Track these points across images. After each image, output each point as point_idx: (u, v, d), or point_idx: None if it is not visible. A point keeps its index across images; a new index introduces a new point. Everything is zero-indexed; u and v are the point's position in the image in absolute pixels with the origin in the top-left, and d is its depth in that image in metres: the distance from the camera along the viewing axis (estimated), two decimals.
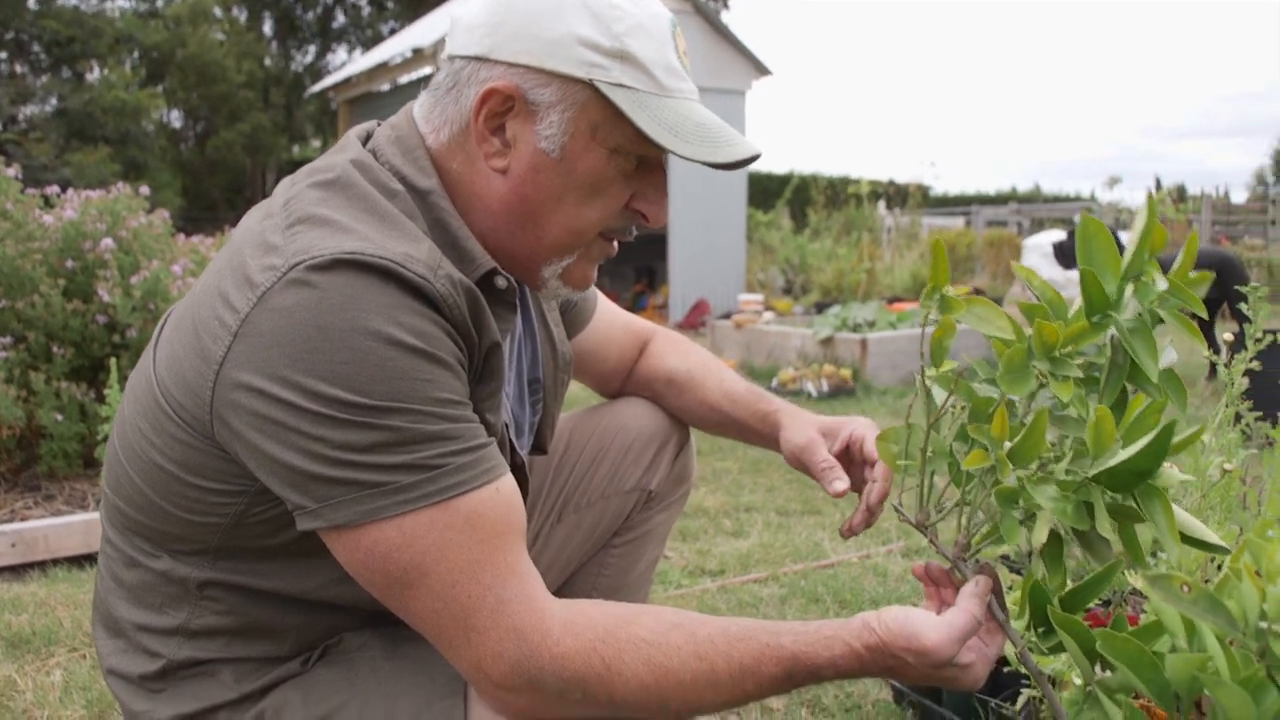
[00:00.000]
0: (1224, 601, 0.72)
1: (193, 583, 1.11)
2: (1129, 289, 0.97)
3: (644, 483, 1.56)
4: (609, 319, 1.57)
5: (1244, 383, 1.77)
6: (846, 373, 6.43)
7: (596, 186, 1.09)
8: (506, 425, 1.16)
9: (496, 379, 1.08)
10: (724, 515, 3.54)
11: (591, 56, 1.05)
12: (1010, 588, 1.49)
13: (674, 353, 1.60)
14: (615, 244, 1.18)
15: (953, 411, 1.07)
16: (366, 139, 1.15)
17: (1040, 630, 0.99)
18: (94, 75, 25.19)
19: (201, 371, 0.99)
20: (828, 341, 6.97)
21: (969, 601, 1.02)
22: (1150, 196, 0.95)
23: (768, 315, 8.75)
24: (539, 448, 1.39)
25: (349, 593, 1.06)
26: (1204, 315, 0.98)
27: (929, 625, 1.00)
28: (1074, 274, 4.54)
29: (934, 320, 1.04)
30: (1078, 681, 0.96)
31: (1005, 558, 1.92)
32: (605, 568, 1.59)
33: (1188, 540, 0.95)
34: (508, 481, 1.02)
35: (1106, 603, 1.87)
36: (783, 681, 1.03)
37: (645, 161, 1.12)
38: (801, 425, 1.44)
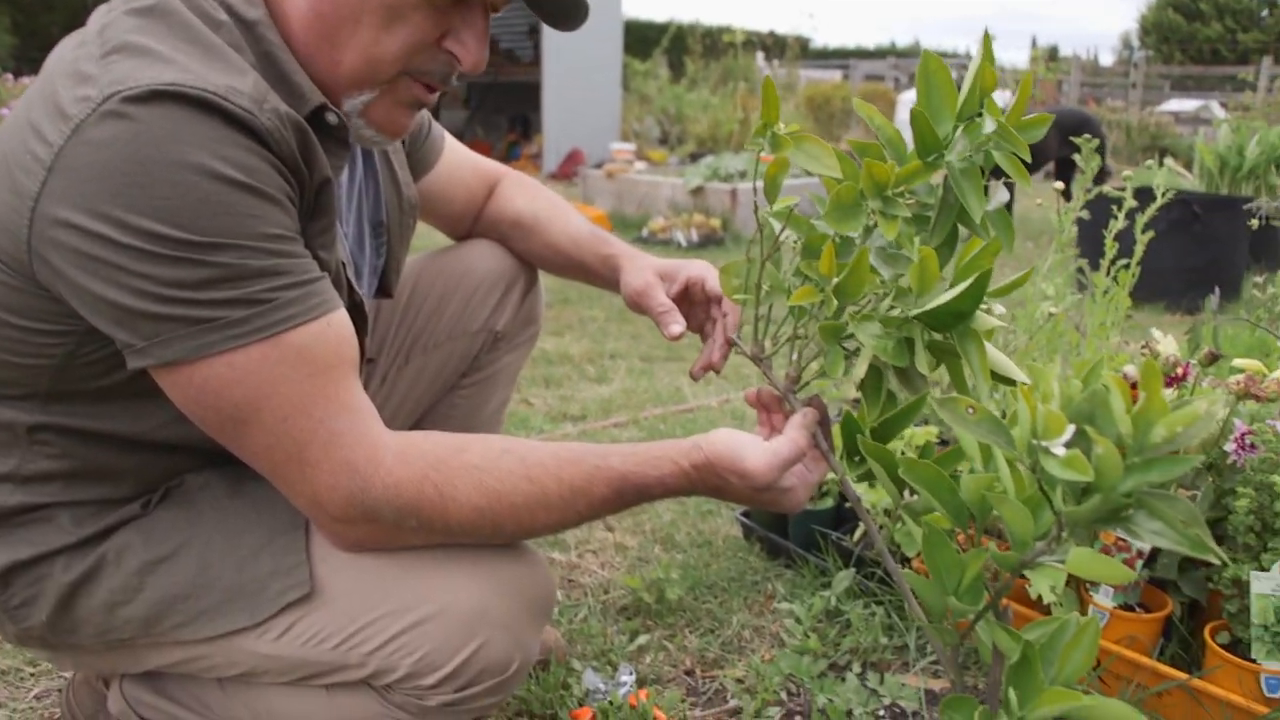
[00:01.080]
0: (1005, 423, 0.77)
1: (21, 427, 1.07)
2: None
3: (490, 324, 1.56)
4: (456, 160, 1.54)
5: (1074, 231, 1.86)
6: (716, 222, 6.48)
7: (396, 11, 1.03)
8: (343, 264, 1.14)
9: (328, 215, 1.05)
10: (588, 362, 3.59)
11: None
12: None
13: (521, 195, 1.58)
14: (432, 93, 1.12)
15: (793, 246, 1.09)
16: None
17: (855, 459, 1.04)
18: None
19: (16, 208, 0.94)
20: (698, 191, 6.99)
21: (795, 431, 1.07)
22: (986, 35, 0.94)
23: (639, 165, 8.70)
24: (384, 291, 1.37)
25: (187, 433, 1.04)
26: (1028, 158, 1.00)
27: (754, 450, 1.04)
28: None
29: (766, 159, 1.05)
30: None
31: (856, 402, 2.00)
32: (454, 409, 1.60)
33: (997, 377, 1.01)
34: (339, 316, 1.01)
35: (945, 441, 1.98)
36: (613, 501, 1.07)
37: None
38: (639, 269, 1.44)
